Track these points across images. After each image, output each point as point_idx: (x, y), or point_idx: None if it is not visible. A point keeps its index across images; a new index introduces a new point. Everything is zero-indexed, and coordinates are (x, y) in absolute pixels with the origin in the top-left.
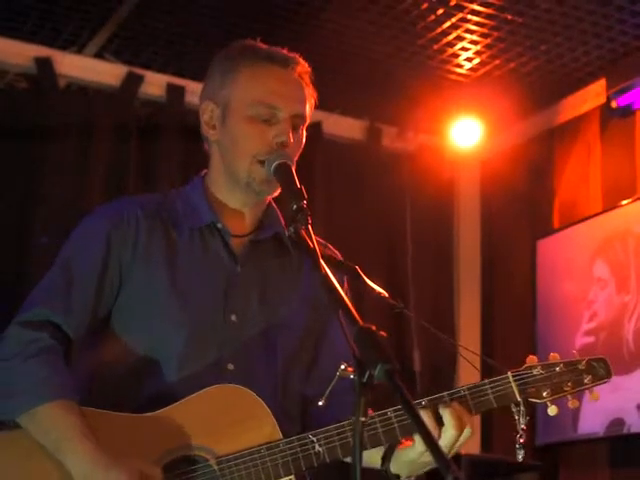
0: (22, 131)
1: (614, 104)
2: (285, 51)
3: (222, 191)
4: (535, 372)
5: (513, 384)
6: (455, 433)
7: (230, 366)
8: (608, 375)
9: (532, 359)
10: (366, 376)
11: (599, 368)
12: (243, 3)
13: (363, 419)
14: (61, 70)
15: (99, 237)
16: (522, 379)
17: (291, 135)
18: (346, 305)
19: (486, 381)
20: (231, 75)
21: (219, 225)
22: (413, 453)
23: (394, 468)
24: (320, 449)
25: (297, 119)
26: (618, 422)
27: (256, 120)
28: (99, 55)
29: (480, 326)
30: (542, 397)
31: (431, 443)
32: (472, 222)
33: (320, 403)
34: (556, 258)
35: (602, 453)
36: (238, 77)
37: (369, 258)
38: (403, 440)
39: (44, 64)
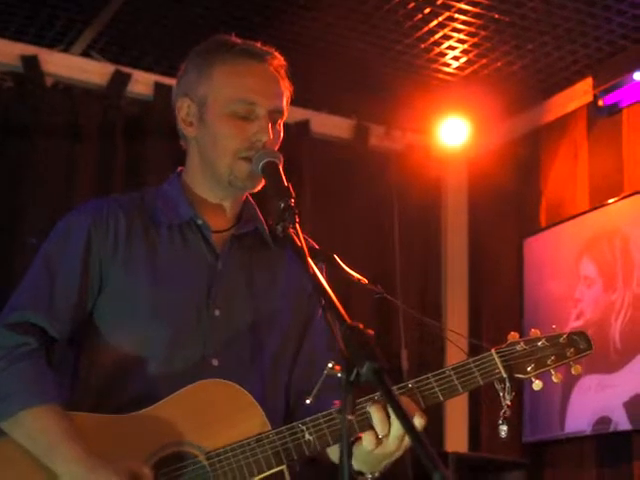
0: (8, 129)
1: (601, 103)
2: (259, 44)
3: (201, 187)
4: (518, 348)
5: (497, 361)
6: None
7: (215, 362)
8: (589, 347)
9: (514, 335)
10: (353, 374)
11: (580, 341)
12: (228, 2)
13: (350, 417)
14: (48, 68)
15: (79, 236)
16: (506, 355)
17: (271, 132)
18: (334, 304)
19: (470, 360)
20: (207, 71)
21: (199, 221)
22: (363, 449)
23: (355, 465)
24: (310, 437)
25: (275, 114)
26: (605, 420)
27: (235, 117)
28: (86, 54)
29: (468, 323)
30: (526, 372)
31: (418, 441)
32: (459, 221)
33: (308, 402)
34: (543, 256)
35: (589, 451)
36: (214, 73)
37: (356, 257)
38: (359, 435)
39: (31, 62)
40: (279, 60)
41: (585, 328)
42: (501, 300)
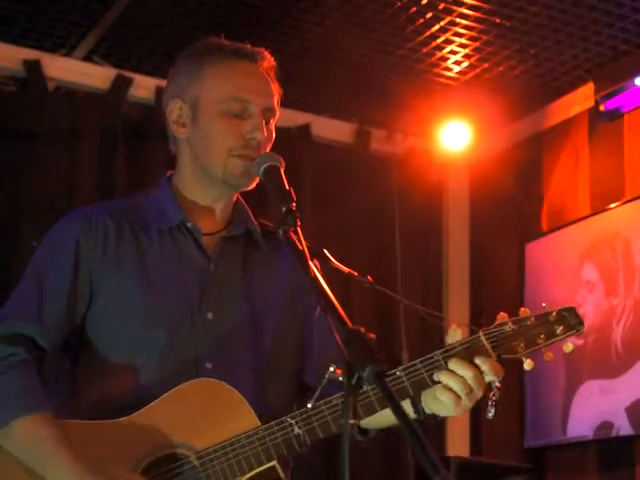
0: (10, 134)
1: (602, 108)
2: (249, 46)
3: (192, 189)
4: (507, 328)
5: (485, 342)
6: (469, 373)
7: (208, 365)
8: (580, 324)
9: (503, 316)
10: (355, 378)
11: (570, 318)
12: (230, 7)
13: (352, 421)
14: (50, 73)
15: (68, 244)
16: (494, 336)
17: (264, 129)
18: (336, 307)
19: (457, 342)
20: (199, 72)
21: (189, 224)
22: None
23: (429, 409)
24: (299, 431)
25: (268, 113)
26: (607, 425)
27: (228, 115)
28: (88, 58)
29: (469, 327)
30: (516, 352)
31: (419, 444)
32: (461, 225)
33: (309, 405)
34: (544, 261)
35: (591, 456)
36: (206, 74)
37: (358, 261)
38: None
39: (33, 67)
40: (269, 61)
41: (586, 333)
42: (502, 305)
